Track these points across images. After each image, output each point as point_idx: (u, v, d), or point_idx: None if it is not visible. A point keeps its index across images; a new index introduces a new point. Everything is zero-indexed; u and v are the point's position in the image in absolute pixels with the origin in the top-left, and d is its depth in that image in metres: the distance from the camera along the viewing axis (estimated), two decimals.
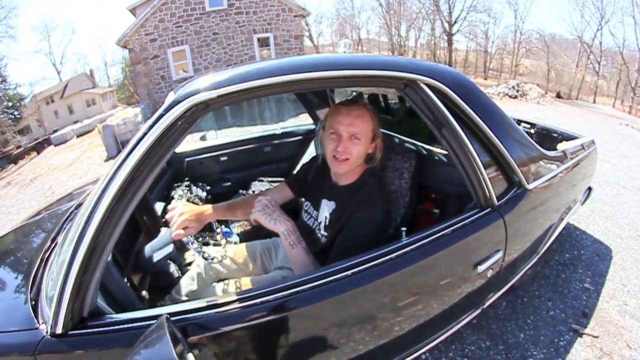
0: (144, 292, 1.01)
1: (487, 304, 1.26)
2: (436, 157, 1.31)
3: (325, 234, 1.09)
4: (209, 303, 0.74)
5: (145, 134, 0.70)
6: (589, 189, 1.91)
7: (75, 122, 16.87)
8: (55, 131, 15.48)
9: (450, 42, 24.69)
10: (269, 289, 0.76)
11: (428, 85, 0.90)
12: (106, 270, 0.76)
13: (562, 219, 1.61)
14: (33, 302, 0.83)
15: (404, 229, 0.95)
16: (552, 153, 1.34)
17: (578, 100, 20.07)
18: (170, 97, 0.73)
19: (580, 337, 1.57)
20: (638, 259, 2.14)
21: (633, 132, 7.23)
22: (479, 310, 1.22)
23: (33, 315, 0.78)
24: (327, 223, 1.09)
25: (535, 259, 1.47)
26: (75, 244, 0.68)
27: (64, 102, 23.79)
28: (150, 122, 0.71)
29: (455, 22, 24.22)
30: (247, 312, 0.74)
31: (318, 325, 0.84)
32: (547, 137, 2.01)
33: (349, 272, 0.82)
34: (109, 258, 0.79)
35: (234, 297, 0.75)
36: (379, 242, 0.97)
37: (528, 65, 25.00)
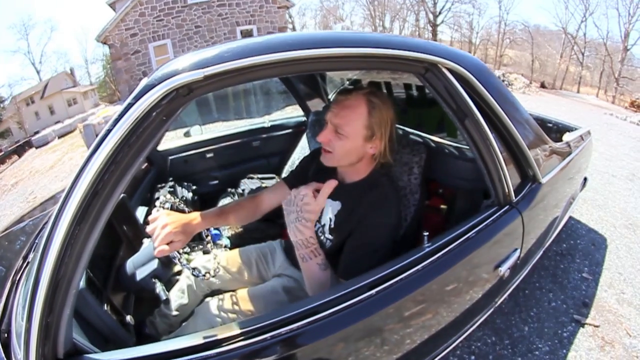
0: (128, 317, 0.86)
1: (499, 302, 1.20)
2: (446, 150, 1.21)
3: (331, 237, 0.97)
4: (208, 339, 0.60)
5: (109, 132, 0.54)
6: (585, 179, 1.91)
7: (56, 123, 16.17)
8: (36, 133, 14.83)
9: (434, 33, 24.68)
10: (280, 318, 0.63)
11: (450, 70, 0.79)
12: (80, 299, 0.64)
13: (567, 211, 1.59)
14: (5, 335, 0.69)
15: (426, 233, 0.84)
16: (559, 145, 1.29)
17: (562, 90, 20.42)
18: (143, 83, 0.57)
19: (582, 327, 1.58)
20: (632, 247, 2.17)
21: (617, 122, 7.41)
22: (492, 310, 1.17)
23: (4, 355, 0.65)
24: (332, 225, 0.97)
25: (541, 252, 1.43)
26: (34, 281, 0.53)
27: (45, 103, 22.78)
28: (116, 115, 0.55)
29: (439, 13, 24.20)
30: (255, 350, 0.61)
31: (340, 355, 0.72)
32: (543, 128, 1.98)
33: (373, 292, 0.70)
34: (83, 284, 0.67)
35: (237, 330, 0.61)
36: (392, 246, 0.87)
37: (512, 55, 25.24)
